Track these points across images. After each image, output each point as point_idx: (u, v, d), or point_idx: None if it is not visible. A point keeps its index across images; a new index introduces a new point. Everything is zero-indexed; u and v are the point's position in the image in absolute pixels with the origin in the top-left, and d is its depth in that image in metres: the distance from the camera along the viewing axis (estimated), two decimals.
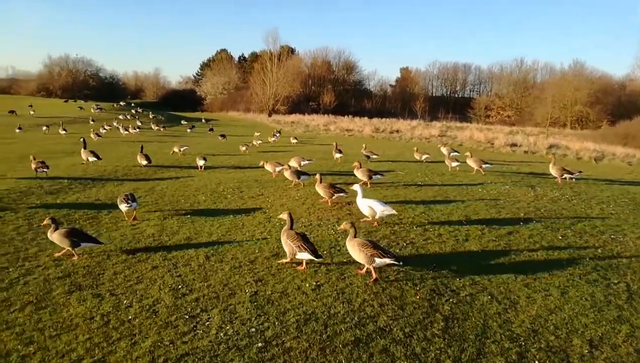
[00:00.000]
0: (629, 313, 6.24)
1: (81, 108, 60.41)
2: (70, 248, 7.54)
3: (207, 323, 5.55)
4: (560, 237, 9.46)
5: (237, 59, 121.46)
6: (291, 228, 7.42)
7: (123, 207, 9.81)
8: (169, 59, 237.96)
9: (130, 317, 5.68)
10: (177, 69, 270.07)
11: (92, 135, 29.62)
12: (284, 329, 5.44)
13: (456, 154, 21.52)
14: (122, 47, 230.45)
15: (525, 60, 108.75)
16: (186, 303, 6.07)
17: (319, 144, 31.56)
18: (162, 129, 42.65)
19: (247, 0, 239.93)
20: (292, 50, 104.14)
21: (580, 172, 17.25)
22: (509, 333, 5.61)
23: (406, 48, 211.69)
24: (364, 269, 7.13)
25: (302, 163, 16.67)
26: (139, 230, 9.33)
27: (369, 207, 9.47)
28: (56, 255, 7.71)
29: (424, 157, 21.41)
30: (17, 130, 33.50)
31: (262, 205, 11.69)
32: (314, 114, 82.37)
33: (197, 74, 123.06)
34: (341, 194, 11.21)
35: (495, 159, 27.72)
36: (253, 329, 5.42)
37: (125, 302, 6.10)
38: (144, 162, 17.41)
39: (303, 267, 7.24)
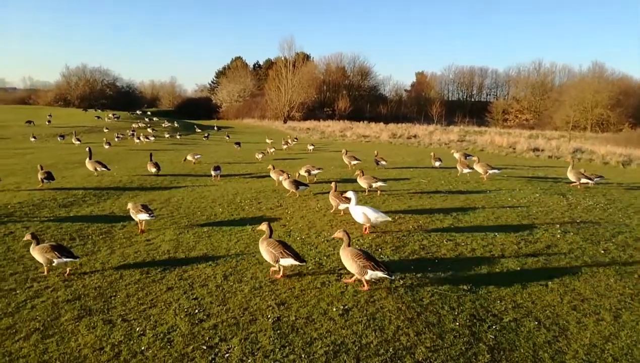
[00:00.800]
0: None
1: (98, 117, 60.79)
2: (49, 265, 7.30)
3: (227, 355, 5.03)
4: (602, 252, 8.77)
5: (251, 66, 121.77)
6: (270, 237, 7.33)
7: (143, 216, 9.46)
8: (185, 67, 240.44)
9: (143, 348, 5.19)
10: (192, 77, 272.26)
11: (104, 145, 29.59)
12: None
13: (471, 157, 20.89)
14: (138, 56, 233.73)
15: (543, 62, 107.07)
16: (203, 330, 5.56)
17: (336, 151, 30.99)
18: (178, 137, 42.59)
19: (261, 7, 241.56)
20: (307, 57, 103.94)
21: (600, 177, 16.50)
22: None
23: (421, 52, 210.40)
24: (353, 278, 6.94)
25: (313, 171, 16.28)
26: (153, 246, 8.87)
27: (363, 214, 9.28)
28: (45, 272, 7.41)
29: (437, 163, 20.86)
30: (32, 139, 33.65)
31: (282, 217, 11.18)
32: (329, 120, 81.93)
33: (212, 82, 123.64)
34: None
35: (519, 164, 26.88)
36: None
37: (137, 329, 5.61)
38: (153, 170, 17.46)
39: (280, 275, 7.18)
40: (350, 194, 9.76)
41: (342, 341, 5.32)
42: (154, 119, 66.78)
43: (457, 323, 5.79)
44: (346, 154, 21.01)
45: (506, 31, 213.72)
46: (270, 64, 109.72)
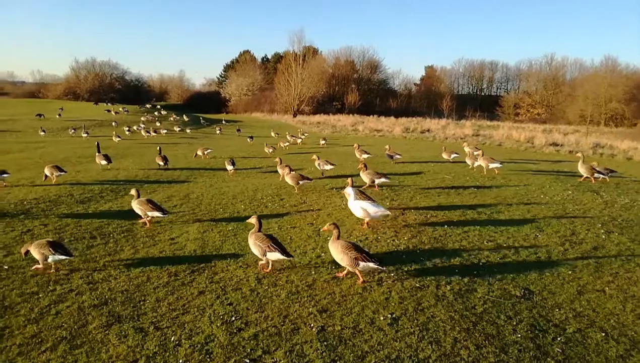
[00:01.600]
0: None
1: (109, 111, 60.58)
2: (44, 262, 6.98)
3: None
4: None
5: (260, 60, 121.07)
6: (259, 231, 7.26)
7: (157, 214, 9.41)
8: (193, 61, 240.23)
9: (180, 360, 4.76)
10: (201, 71, 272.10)
11: (114, 138, 29.31)
12: None
13: (477, 151, 20.55)
14: (147, 50, 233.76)
15: (555, 56, 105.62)
16: (244, 341, 5.12)
17: (349, 145, 30.36)
18: (188, 131, 42.20)
19: (267, 0, 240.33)
20: (316, 51, 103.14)
21: (613, 171, 16.16)
22: None
23: (431, 46, 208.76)
24: (344, 272, 6.86)
25: (326, 167, 15.79)
26: (178, 245, 8.45)
27: (362, 209, 9.08)
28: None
29: (452, 156, 20.73)
30: (41, 133, 33.38)
31: (307, 214, 10.72)
32: (338, 114, 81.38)
33: (220, 75, 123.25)
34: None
35: (539, 159, 26.25)
36: None
37: (172, 338, 5.18)
38: (161, 163, 17.54)
39: (268, 270, 7.10)
40: (348, 190, 9.52)
41: (397, 355, 4.86)
42: (163, 112, 66.46)
43: (518, 335, 5.31)
44: (358, 148, 20.95)
45: (516, 25, 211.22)
46: (278, 57, 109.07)
